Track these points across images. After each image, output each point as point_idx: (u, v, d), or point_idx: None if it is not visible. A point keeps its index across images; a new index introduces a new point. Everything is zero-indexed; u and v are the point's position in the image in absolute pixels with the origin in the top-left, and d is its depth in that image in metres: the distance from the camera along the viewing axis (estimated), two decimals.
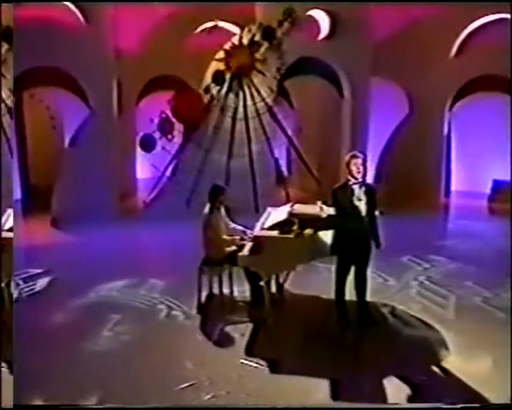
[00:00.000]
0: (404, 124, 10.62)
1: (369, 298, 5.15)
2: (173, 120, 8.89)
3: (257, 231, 5.03)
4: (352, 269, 4.81)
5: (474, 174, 10.93)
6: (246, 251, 4.92)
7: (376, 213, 5.01)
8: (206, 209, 5.34)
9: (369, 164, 10.26)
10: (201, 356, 4.29)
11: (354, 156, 4.63)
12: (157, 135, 8.93)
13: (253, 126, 9.32)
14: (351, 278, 4.85)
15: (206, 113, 9.06)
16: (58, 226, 8.39)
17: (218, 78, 8.95)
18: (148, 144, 9.03)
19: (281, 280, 5.60)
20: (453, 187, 11.16)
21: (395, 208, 9.25)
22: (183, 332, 4.82)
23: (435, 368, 4.17)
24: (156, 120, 8.86)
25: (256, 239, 4.89)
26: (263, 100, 9.26)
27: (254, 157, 9.34)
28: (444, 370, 4.14)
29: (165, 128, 8.95)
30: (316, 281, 5.76)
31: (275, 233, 4.91)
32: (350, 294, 4.93)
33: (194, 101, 8.98)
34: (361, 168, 4.60)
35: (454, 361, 4.24)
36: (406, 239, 7.65)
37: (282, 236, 4.83)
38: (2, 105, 8.03)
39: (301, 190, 9.81)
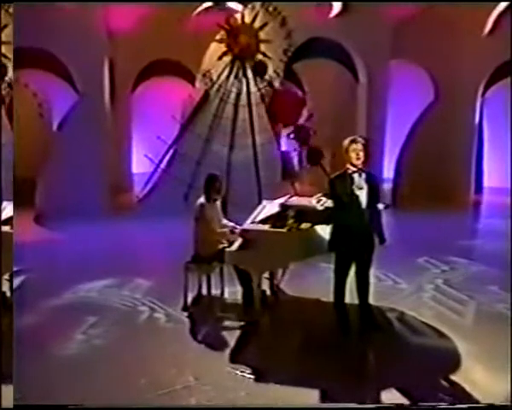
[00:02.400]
0: (429, 111, 10.38)
1: (375, 302, 5.11)
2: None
3: (246, 225, 4.96)
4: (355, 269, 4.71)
5: (510, 169, 10.64)
6: (234, 247, 4.87)
7: (381, 206, 4.91)
8: (201, 200, 5.33)
9: (387, 156, 10.20)
10: (181, 362, 4.25)
11: (353, 141, 4.52)
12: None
13: (258, 114, 9.25)
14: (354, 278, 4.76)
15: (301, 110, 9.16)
16: (42, 223, 8.47)
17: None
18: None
19: (276, 281, 5.53)
20: (486, 183, 10.90)
21: (416, 205, 9.25)
22: (164, 336, 4.80)
23: (443, 382, 4.02)
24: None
25: (244, 233, 4.82)
26: (268, 85, 9.19)
27: (258, 148, 9.28)
28: (454, 384, 3.99)
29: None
30: (317, 282, 5.66)
31: (266, 227, 4.84)
32: (352, 296, 4.84)
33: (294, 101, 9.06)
34: (361, 155, 4.49)
35: (468, 374, 4.09)
36: (425, 239, 7.61)
37: (273, 230, 4.76)
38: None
39: (311, 184, 9.69)
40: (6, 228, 4.87)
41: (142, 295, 5.64)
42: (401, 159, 10.40)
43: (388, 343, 4.64)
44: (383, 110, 9.81)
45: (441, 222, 8.50)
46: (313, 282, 5.74)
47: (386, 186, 10.33)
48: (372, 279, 5.80)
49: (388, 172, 10.49)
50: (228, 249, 4.88)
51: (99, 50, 8.85)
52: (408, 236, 8.22)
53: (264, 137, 9.34)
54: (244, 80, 9.17)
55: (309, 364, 4.24)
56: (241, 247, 4.81)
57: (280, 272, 5.57)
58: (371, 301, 5.01)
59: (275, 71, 9.18)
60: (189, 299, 5.32)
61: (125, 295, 5.62)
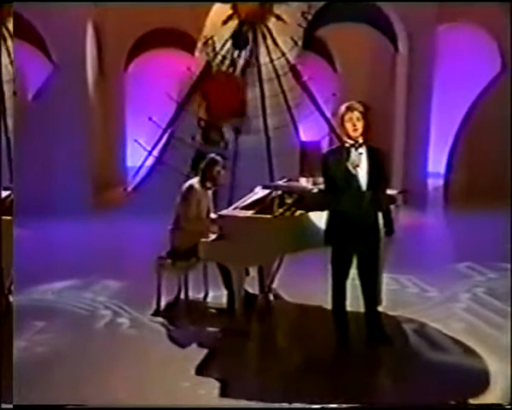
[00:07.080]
0: (493, 87, 10.11)
1: (391, 311, 5.06)
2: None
3: (224, 211, 4.93)
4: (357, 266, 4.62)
5: None
6: (210, 237, 4.85)
7: (392, 192, 4.82)
8: (193, 181, 5.40)
9: (432, 144, 9.96)
10: (138, 375, 4.23)
11: (349, 109, 4.44)
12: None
13: (270, 91, 9.26)
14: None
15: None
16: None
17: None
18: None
19: (268, 281, 5.48)
20: None
21: (468, 203, 9.07)
22: (123, 344, 4.81)
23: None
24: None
25: (221, 221, 4.78)
26: (283, 55, 9.18)
27: (271, 133, 9.27)
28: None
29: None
30: (322, 285, 5.54)
31: (248, 213, 4.80)
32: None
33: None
34: (358, 125, 4.40)
35: (498, 400, 3.88)
36: (473, 242, 7.53)
37: (256, 216, 4.71)
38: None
39: None
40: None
41: (108, 297, 5.73)
42: (453, 148, 10.15)
43: (399, 360, 4.50)
44: (429, 86, 9.62)
45: (499, 224, 8.25)
46: (318, 286, 5.62)
47: (433, 182, 10.17)
48: (394, 286, 5.87)
49: (434, 164, 10.27)
50: (202, 240, 4.85)
51: (79, 14, 8.99)
52: (453, 238, 8.06)
53: (279, 119, 9.33)
54: (254, 51, 9.19)
55: (301, 386, 4.11)
56: (217, 237, 4.77)
57: (274, 268, 5.52)
58: (387, 310, 4.94)
59: (292, 38, 9.16)
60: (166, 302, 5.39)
61: (85, 298, 5.70)
